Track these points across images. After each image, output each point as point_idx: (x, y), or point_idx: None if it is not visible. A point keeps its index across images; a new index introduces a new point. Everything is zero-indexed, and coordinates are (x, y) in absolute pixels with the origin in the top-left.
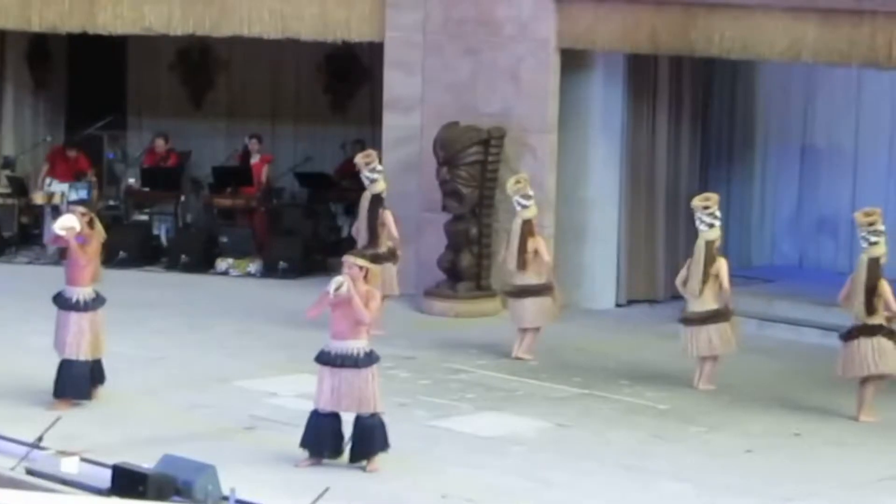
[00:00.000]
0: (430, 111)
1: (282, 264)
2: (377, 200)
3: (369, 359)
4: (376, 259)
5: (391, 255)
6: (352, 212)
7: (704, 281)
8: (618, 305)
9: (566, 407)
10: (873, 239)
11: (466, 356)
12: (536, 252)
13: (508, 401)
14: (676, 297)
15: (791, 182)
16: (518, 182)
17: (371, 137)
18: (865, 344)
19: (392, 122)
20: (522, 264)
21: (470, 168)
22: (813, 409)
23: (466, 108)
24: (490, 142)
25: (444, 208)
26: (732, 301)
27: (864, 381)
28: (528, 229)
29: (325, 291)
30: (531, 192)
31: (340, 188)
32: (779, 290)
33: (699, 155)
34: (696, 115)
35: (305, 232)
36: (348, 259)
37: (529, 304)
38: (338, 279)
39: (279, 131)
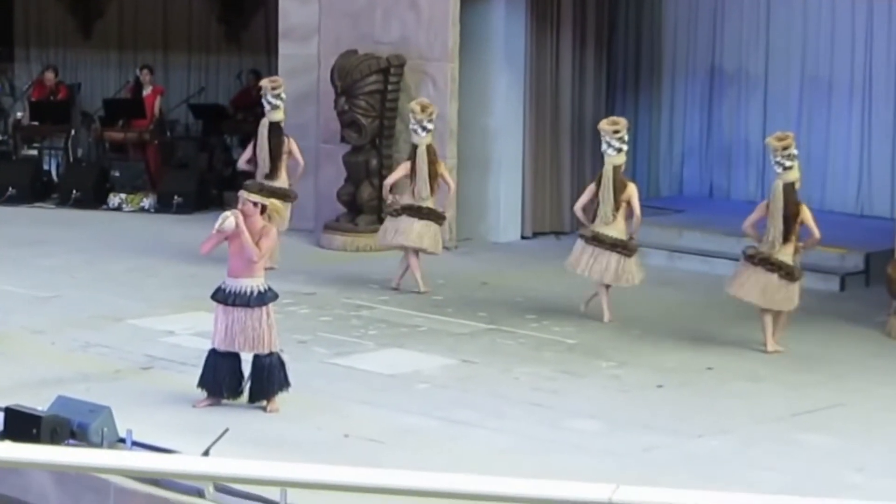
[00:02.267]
0: (326, 39)
1: (176, 199)
2: (276, 128)
3: (262, 298)
4: (286, 196)
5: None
6: (247, 144)
7: (616, 208)
8: (523, 238)
9: (472, 343)
10: (787, 164)
11: (368, 291)
12: (442, 178)
13: (412, 337)
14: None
15: (700, 109)
16: (426, 107)
17: (267, 67)
18: (762, 276)
19: (288, 52)
20: (431, 190)
21: (369, 98)
22: (725, 343)
23: (364, 37)
24: (389, 70)
25: (343, 139)
26: (639, 231)
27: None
28: (433, 156)
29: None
30: (429, 126)
31: (236, 120)
32: (688, 220)
33: (604, 83)
34: (601, 42)
35: (200, 165)
36: (242, 194)
37: (419, 226)
38: (225, 214)
39: (172, 62)
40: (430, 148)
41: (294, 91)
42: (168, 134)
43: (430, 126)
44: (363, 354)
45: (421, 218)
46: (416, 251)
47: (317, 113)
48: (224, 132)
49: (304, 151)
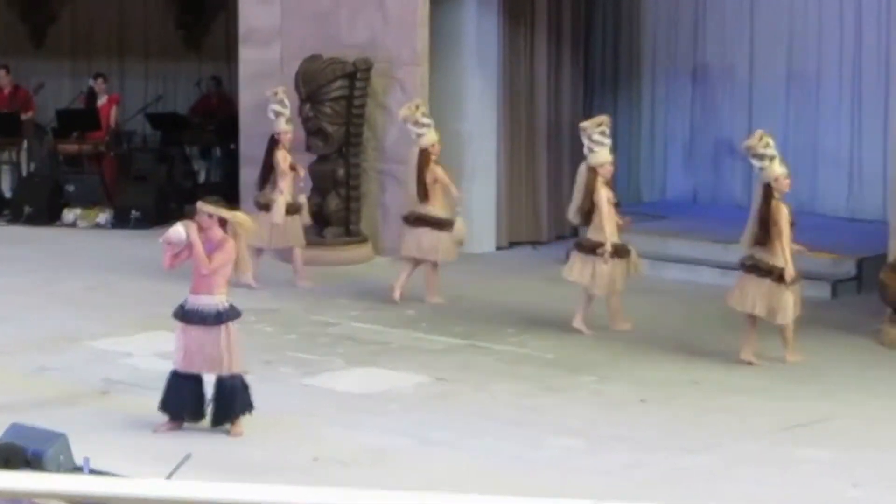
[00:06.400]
0: (289, 43)
1: (134, 213)
2: (270, 141)
3: (220, 316)
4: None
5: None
6: (209, 155)
7: (591, 209)
8: (499, 248)
9: (446, 359)
10: (758, 164)
11: (336, 307)
12: (436, 181)
13: (383, 354)
14: (561, 237)
15: (682, 110)
16: (409, 109)
17: (227, 73)
18: (754, 283)
19: (249, 57)
20: (424, 195)
21: (335, 104)
22: (713, 355)
23: (329, 40)
24: (356, 75)
25: (309, 148)
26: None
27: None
28: (425, 158)
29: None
30: (425, 120)
31: (195, 129)
32: (672, 227)
33: (582, 83)
34: (578, 41)
35: (159, 178)
36: (198, 205)
37: (423, 235)
38: (175, 224)
39: (128, 69)
40: (423, 152)
41: (256, 98)
42: (125, 145)
43: (417, 129)
44: (332, 373)
45: (423, 225)
46: (418, 261)
47: None
48: (184, 142)
49: None
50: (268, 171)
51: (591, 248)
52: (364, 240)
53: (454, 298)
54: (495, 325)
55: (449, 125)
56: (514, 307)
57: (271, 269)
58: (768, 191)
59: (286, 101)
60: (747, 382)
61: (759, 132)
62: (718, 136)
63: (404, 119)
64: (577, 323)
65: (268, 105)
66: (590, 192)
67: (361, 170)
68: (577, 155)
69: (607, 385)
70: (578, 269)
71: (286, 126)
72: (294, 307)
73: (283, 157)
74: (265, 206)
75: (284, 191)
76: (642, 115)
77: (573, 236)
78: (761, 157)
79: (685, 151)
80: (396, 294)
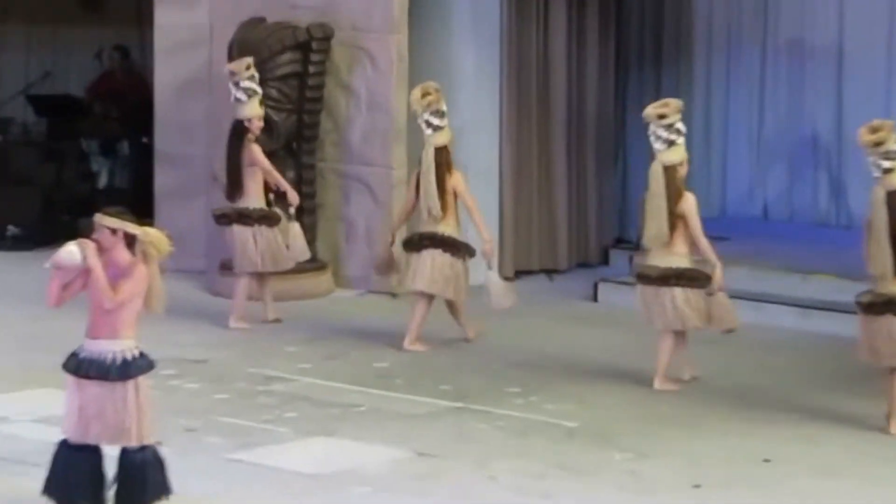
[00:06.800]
0: (222, 4)
1: (11, 229)
2: (239, 128)
3: (126, 369)
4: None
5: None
6: (112, 151)
7: (672, 224)
8: (504, 279)
9: (431, 428)
10: (886, 164)
11: (283, 357)
12: (456, 194)
13: (346, 421)
14: (584, 265)
15: (749, 98)
16: (427, 94)
17: (138, 42)
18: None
19: (167, 21)
20: (444, 208)
21: (282, 84)
22: (790, 422)
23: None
24: (310, 46)
25: None
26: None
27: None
28: (444, 160)
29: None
30: (444, 108)
31: (95, 116)
32: (737, 251)
33: (613, 61)
34: (608, 6)
35: (45, 181)
36: (97, 218)
37: (433, 260)
38: (68, 244)
39: (4, 37)
40: (441, 152)
41: (177, 77)
42: (0, 137)
43: (435, 121)
44: (276, 446)
45: (435, 247)
46: (430, 297)
47: (208, 106)
48: (79, 134)
49: (191, 161)
50: (237, 173)
51: (666, 279)
52: (321, 267)
53: (441, 345)
54: (496, 382)
55: None
56: (521, 358)
57: (200, 306)
58: (895, 201)
59: (257, 77)
60: (835, 461)
61: (887, 122)
62: (799, 133)
63: (427, 105)
64: (663, 383)
65: (234, 83)
66: (676, 199)
67: (318, 172)
68: (607, 155)
69: (647, 464)
70: (674, 310)
71: (260, 110)
72: (227, 357)
73: (258, 151)
74: (239, 219)
75: (292, 201)
76: (694, 104)
77: (602, 264)
78: (890, 155)
79: (752, 152)
80: (409, 345)
